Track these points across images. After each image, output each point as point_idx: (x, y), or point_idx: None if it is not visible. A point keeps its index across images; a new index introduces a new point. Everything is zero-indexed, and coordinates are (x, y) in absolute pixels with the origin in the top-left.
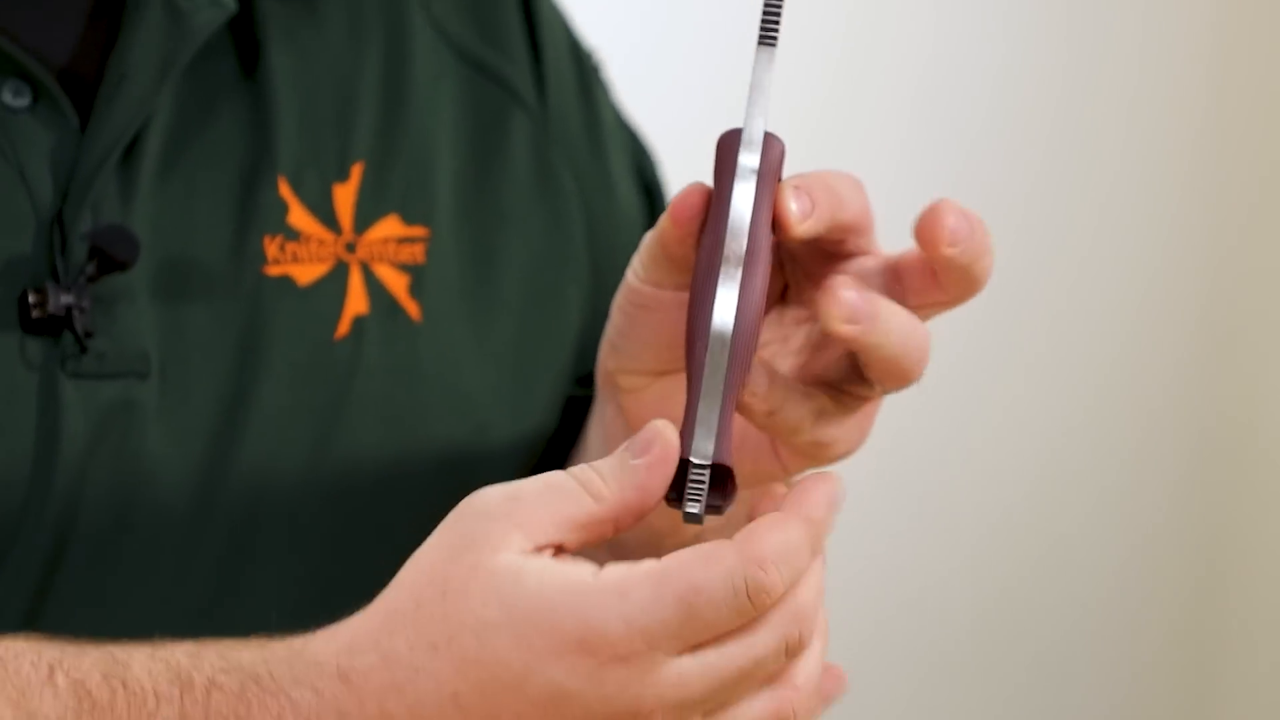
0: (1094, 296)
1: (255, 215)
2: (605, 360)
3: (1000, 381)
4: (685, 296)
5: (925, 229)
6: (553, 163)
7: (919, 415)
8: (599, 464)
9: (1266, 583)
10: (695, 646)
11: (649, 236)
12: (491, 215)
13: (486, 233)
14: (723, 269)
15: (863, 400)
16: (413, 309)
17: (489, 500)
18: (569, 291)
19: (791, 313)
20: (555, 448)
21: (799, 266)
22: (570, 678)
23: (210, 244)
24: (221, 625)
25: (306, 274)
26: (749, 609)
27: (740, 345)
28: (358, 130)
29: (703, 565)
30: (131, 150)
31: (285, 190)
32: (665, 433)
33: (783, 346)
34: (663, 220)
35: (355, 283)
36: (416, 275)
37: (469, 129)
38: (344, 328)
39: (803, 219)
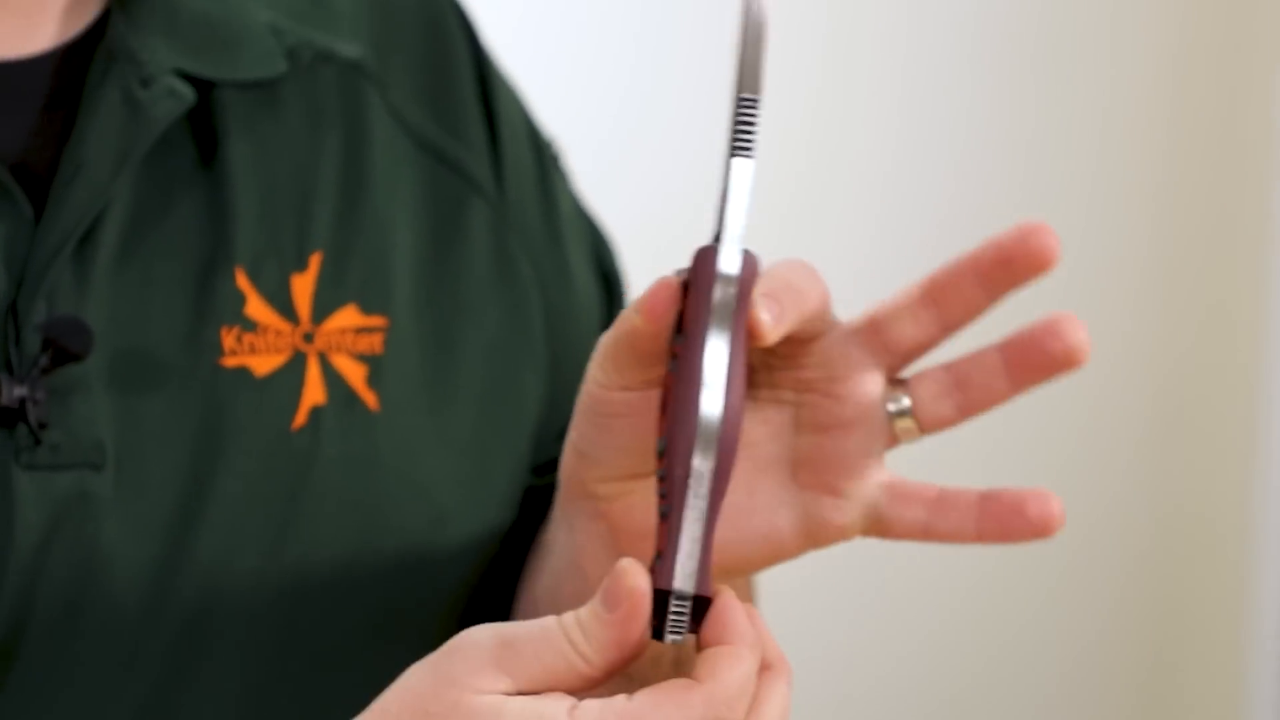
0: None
1: (212, 306)
2: (575, 470)
3: (958, 470)
4: (655, 395)
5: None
6: (511, 251)
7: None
8: (582, 617)
9: (1213, 664)
10: None
11: (611, 338)
12: (451, 304)
13: (446, 322)
14: (703, 398)
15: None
16: (370, 399)
17: (481, 641)
18: (527, 381)
19: (761, 395)
20: (514, 539)
21: (759, 353)
22: None
23: (166, 335)
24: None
25: (264, 365)
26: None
27: (722, 471)
28: (316, 219)
29: (675, 710)
30: (87, 240)
31: (243, 281)
32: (635, 585)
33: (762, 431)
34: (632, 318)
35: (313, 373)
36: (374, 365)
37: (428, 217)
38: (301, 418)
39: (775, 326)
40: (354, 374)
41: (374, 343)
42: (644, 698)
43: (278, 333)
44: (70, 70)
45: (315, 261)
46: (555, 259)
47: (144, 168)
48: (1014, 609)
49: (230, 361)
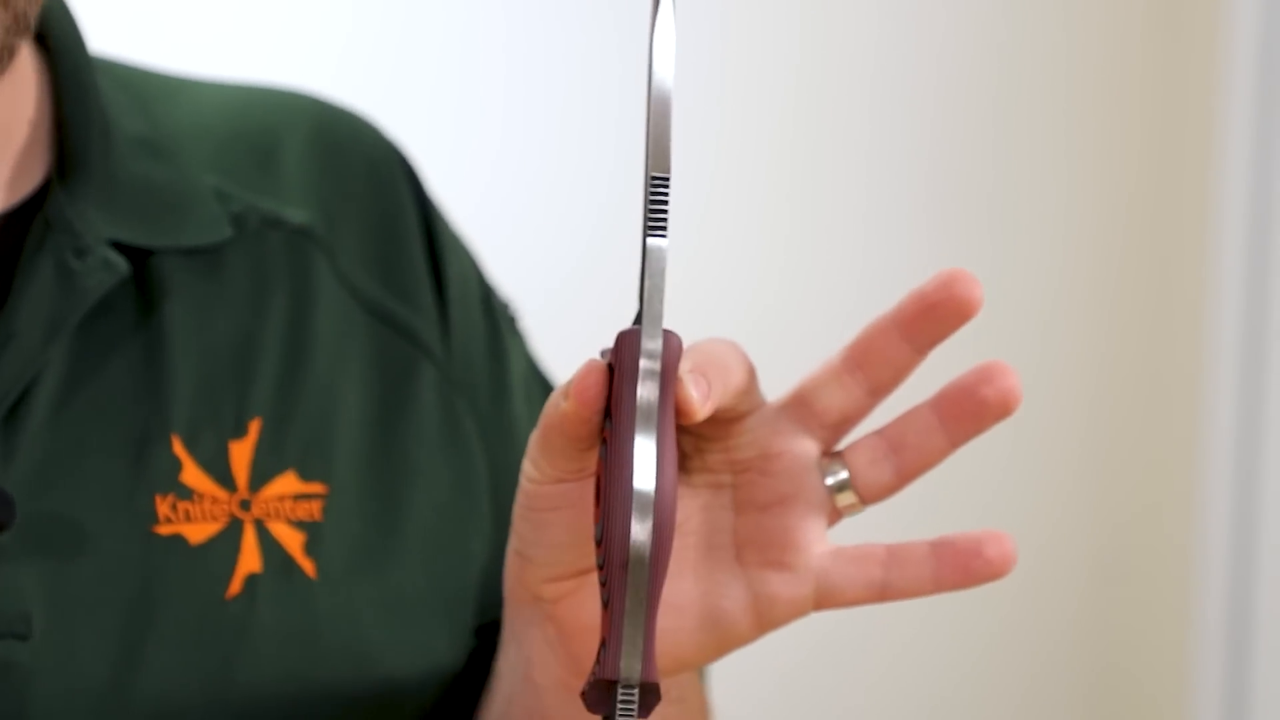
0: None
1: (146, 474)
2: (519, 575)
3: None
4: (590, 486)
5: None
6: (458, 412)
7: (823, 645)
8: None
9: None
10: None
11: (541, 429)
12: (398, 468)
13: (392, 486)
14: (635, 478)
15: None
16: (308, 566)
17: None
18: (473, 544)
19: (696, 479)
20: (462, 682)
21: (690, 436)
22: None
23: (98, 503)
24: None
25: (199, 533)
26: None
27: (661, 551)
28: (257, 385)
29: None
30: (17, 408)
31: (179, 448)
32: None
33: (702, 516)
34: (560, 403)
35: (249, 540)
36: (313, 532)
37: (376, 381)
38: (236, 586)
39: (702, 403)
40: (291, 541)
41: (313, 509)
42: None
43: (214, 500)
44: (8, 239)
45: (254, 428)
46: (500, 418)
47: (80, 334)
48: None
49: (164, 529)
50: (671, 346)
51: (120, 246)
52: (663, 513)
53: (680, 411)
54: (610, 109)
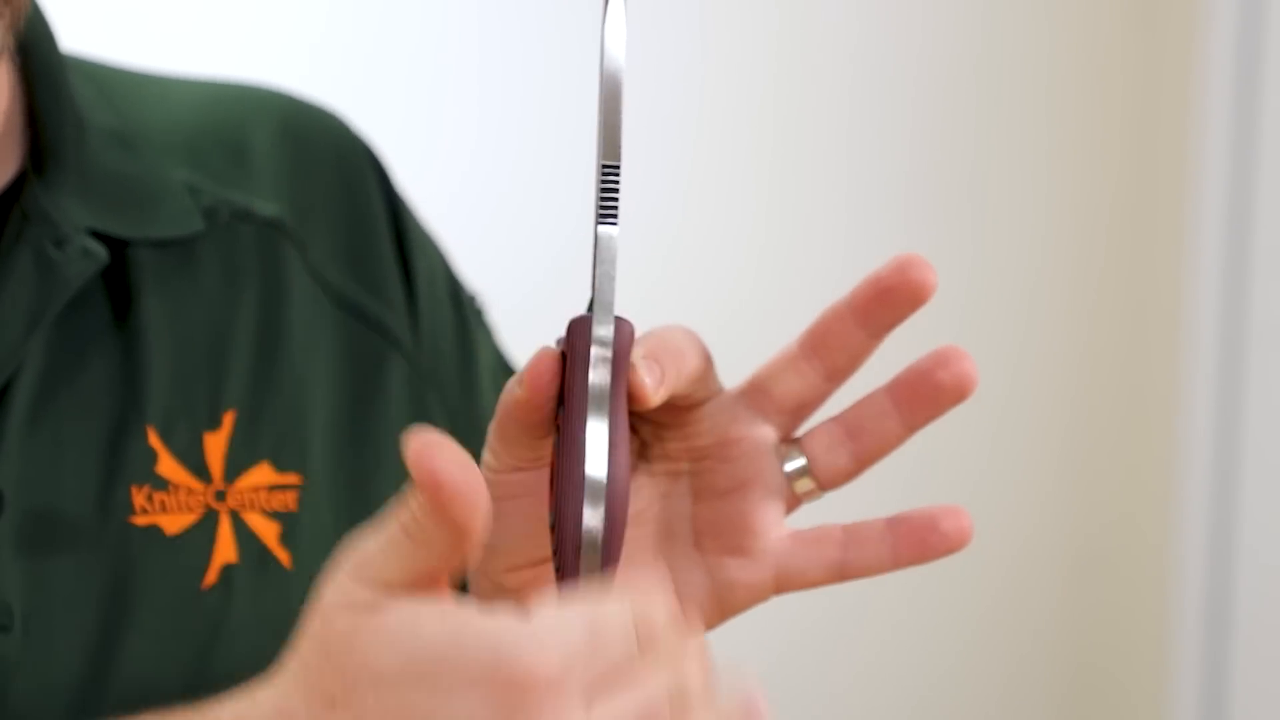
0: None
1: (123, 465)
2: (481, 567)
3: (883, 617)
4: (546, 475)
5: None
6: (428, 404)
7: (804, 641)
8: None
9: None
10: (595, 695)
11: (497, 418)
12: (368, 459)
13: (362, 477)
14: (587, 463)
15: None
16: (284, 556)
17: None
18: None
19: (655, 467)
20: None
21: (649, 425)
22: (484, 712)
23: (76, 495)
24: None
25: (174, 524)
26: (636, 640)
27: (613, 536)
28: (231, 378)
29: (596, 595)
30: None
31: (154, 440)
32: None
33: (660, 505)
34: (514, 390)
35: (224, 531)
36: (288, 523)
37: (346, 373)
38: (212, 576)
39: (656, 389)
40: (267, 532)
41: (288, 500)
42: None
43: (189, 491)
44: None
45: (229, 419)
46: (468, 410)
47: (57, 327)
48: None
49: (141, 520)
50: (624, 333)
51: (97, 237)
52: (614, 498)
53: (633, 397)
54: (579, 105)
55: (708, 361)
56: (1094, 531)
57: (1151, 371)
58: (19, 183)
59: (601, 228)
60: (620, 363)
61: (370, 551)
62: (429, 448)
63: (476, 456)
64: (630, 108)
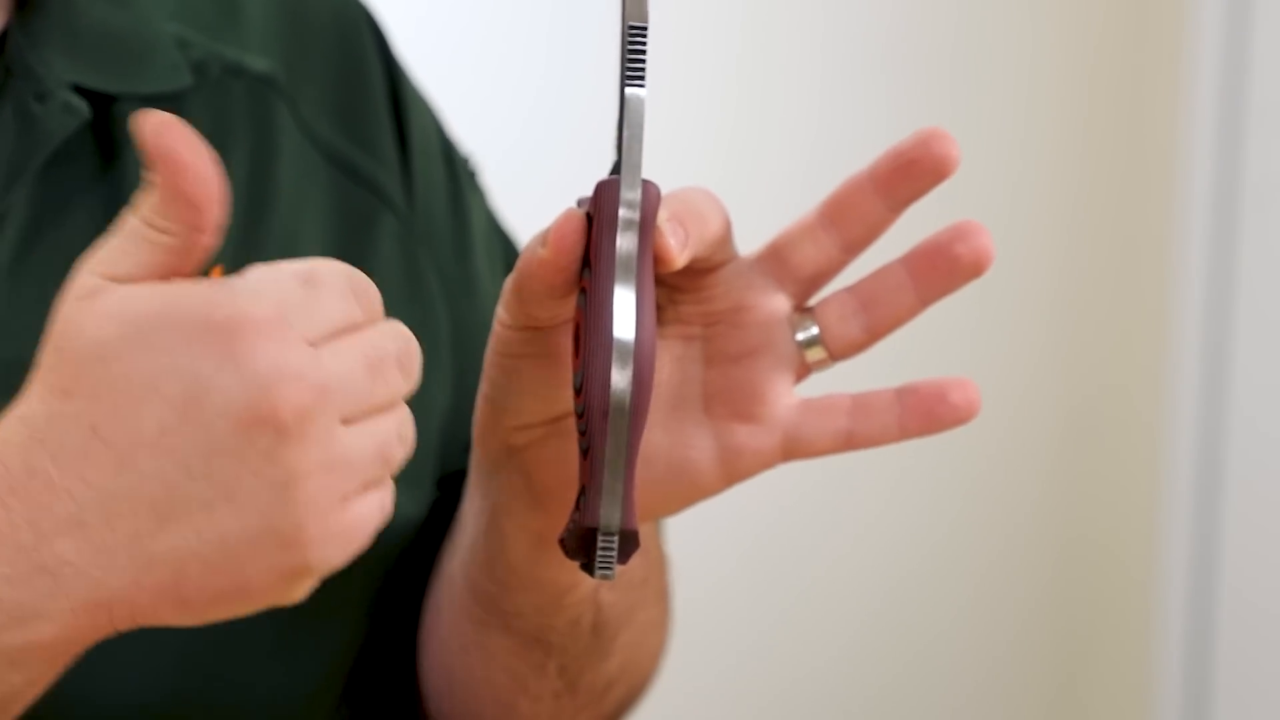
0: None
1: None
2: (490, 423)
3: (870, 490)
4: (564, 335)
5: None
6: (419, 264)
7: (792, 516)
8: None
9: (1116, 689)
10: (319, 342)
11: (516, 275)
12: None
13: None
14: (616, 325)
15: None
16: None
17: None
18: (434, 394)
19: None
20: (424, 533)
21: (664, 288)
22: (205, 362)
23: None
24: None
25: None
26: (355, 299)
27: (641, 398)
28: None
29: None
30: None
31: None
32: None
33: (672, 367)
34: (538, 250)
35: None
36: None
37: (337, 231)
38: None
39: (680, 251)
40: None
41: None
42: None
43: None
44: None
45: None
46: (462, 272)
47: (41, 181)
48: (920, 641)
49: None
50: (650, 196)
51: (82, 92)
52: (642, 361)
53: (658, 260)
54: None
55: (727, 225)
56: (1084, 400)
57: (1144, 235)
58: (3, 37)
59: (629, 89)
60: (647, 227)
61: (109, 247)
62: (165, 125)
63: (469, 317)
64: None
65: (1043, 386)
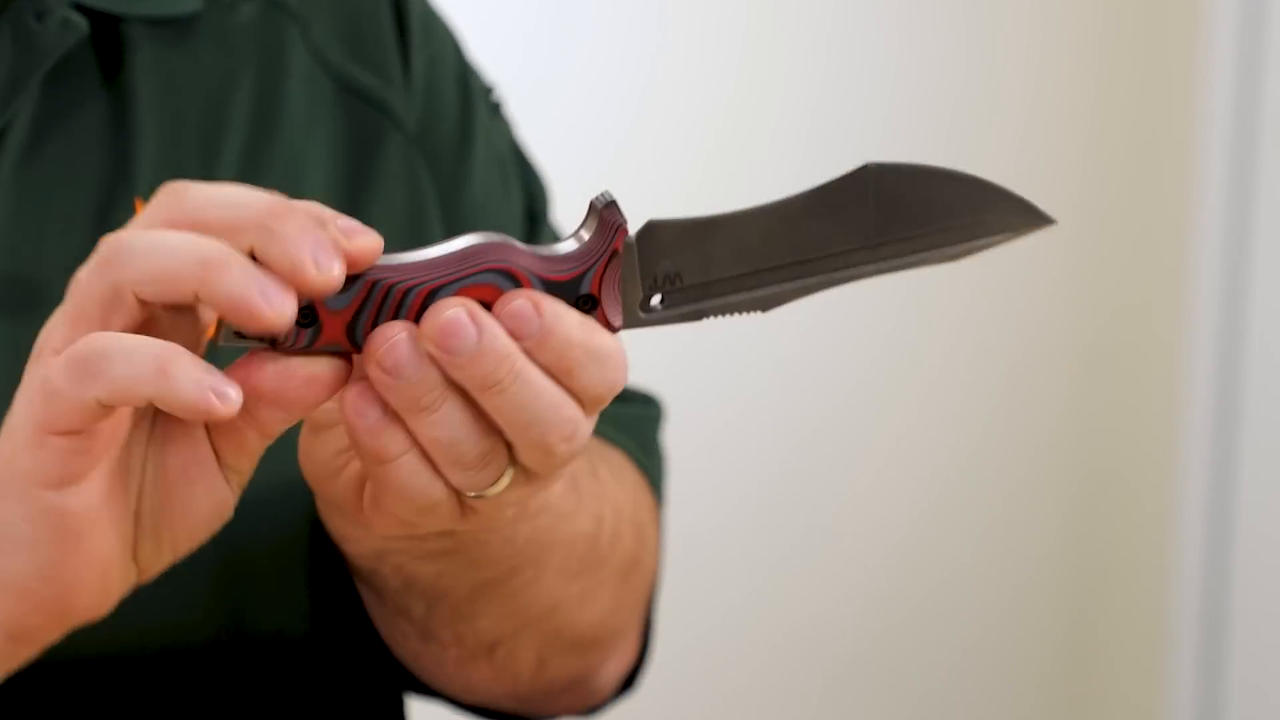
0: (975, 344)
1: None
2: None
3: (885, 422)
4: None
5: None
6: (422, 186)
7: (805, 451)
8: None
9: (1133, 619)
10: None
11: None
12: None
13: None
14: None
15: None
16: None
17: None
18: None
19: None
20: None
21: None
22: None
23: (62, 265)
24: None
25: None
26: None
27: None
28: (224, 153)
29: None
30: None
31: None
32: None
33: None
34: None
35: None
36: None
37: (344, 152)
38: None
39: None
40: None
41: None
42: None
43: None
44: None
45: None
46: (454, 197)
47: (44, 92)
48: (936, 575)
49: None
50: None
51: (86, 11)
52: None
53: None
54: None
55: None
56: (1102, 328)
57: (1164, 163)
58: None
59: None
60: None
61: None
62: None
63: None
64: None
65: (1060, 313)
